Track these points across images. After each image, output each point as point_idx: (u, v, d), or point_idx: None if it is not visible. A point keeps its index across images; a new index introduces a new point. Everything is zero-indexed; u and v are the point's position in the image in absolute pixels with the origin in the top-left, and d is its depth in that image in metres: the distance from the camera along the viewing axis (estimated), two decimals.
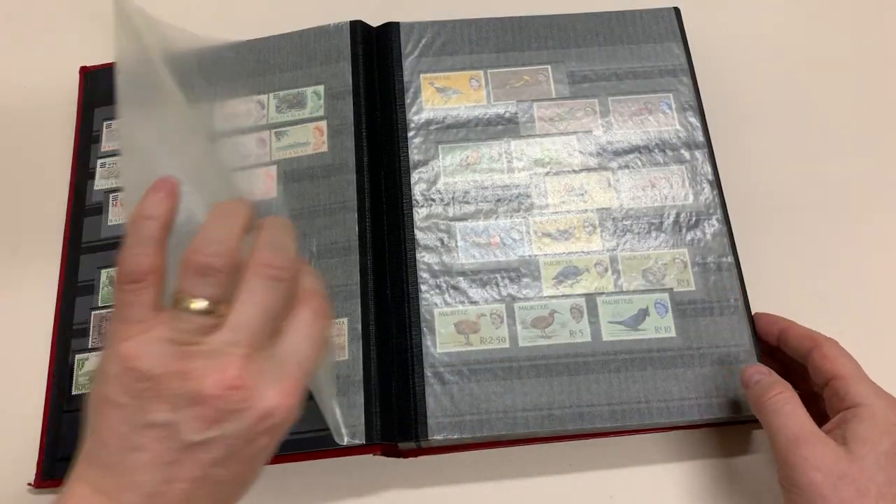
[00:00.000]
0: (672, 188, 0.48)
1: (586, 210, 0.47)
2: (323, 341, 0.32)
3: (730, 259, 0.46)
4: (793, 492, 0.37)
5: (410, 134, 0.49)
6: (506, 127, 0.49)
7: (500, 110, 0.50)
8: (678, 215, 0.47)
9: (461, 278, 0.46)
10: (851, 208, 0.52)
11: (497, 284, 0.46)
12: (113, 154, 0.52)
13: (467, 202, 0.48)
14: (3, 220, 0.54)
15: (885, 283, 0.50)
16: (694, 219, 0.47)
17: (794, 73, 0.57)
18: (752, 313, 0.45)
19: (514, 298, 0.45)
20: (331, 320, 0.33)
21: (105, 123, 0.53)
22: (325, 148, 0.50)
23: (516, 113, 0.50)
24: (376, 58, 0.52)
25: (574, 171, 0.48)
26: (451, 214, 0.47)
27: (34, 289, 0.51)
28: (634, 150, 0.49)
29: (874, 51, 0.57)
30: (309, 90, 0.51)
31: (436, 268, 0.46)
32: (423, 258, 0.46)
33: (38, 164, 0.55)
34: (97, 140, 0.53)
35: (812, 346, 0.41)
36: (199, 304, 0.29)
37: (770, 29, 0.58)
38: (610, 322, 0.45)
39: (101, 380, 0.30)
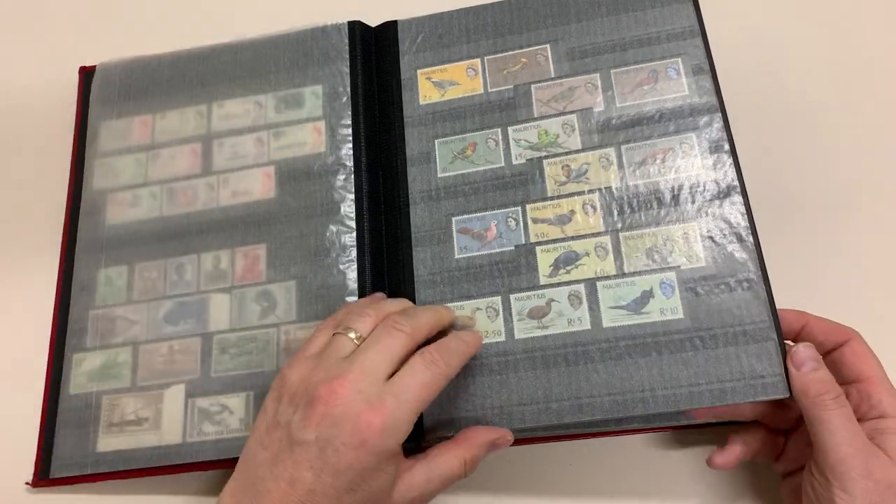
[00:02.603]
0: (681, 158, 0.45)
1: (586, 191, 0.45)
2: (430, 386, 0.37)
3: (745, 228, 0.43)
4: (837, 494, 0.37)
5: (407, 131, 0.49)
6: (502, 113, 0.48)
7: (497, 97, 0.49)
8: (688, 187, 0.44)
9: (456, 272, 0.45)
10: (863, 204, 0.51)
11: (492, 276, 0.45)
12: (111, 154, 0.52)
13: (463, 195, 0.47)
14: (3, 219, 0.55)
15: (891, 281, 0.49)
16: (705, 188, 0.44)
17: (804, 69, 0.55)
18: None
19: (510, 289, 0.44)
20: (445, 371, 0.38)
21: (104, 123, 0.53)
22: (323, 148, 0.50)
23: (513, 97, 0.48)
24: (375, 57, 0.52)
25: (574, 152, 0.47)
26: (447, 208, 0.47)
27: (33, 288, 0.51)
28: (639, 122, 0.46)
29: (886, 47, 0.56)
30: (307, 90, 0.51)
31: (432, 263, 0.46)
32: (420, 255, 0.46)
33: (38, 163, 0.56)
34: (96, 140, 0.53)
35: (843, 341, 0.40)
36: (352, 333, 0.38)
37: (785, 25, 0.57)
38: (611, 307, 0.42)
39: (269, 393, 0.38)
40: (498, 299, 0.44)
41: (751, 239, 0.43)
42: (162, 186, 0.51)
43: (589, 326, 0.42)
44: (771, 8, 0.58)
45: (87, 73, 0.56)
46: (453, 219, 0.46)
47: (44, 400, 0.48)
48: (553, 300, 0.43)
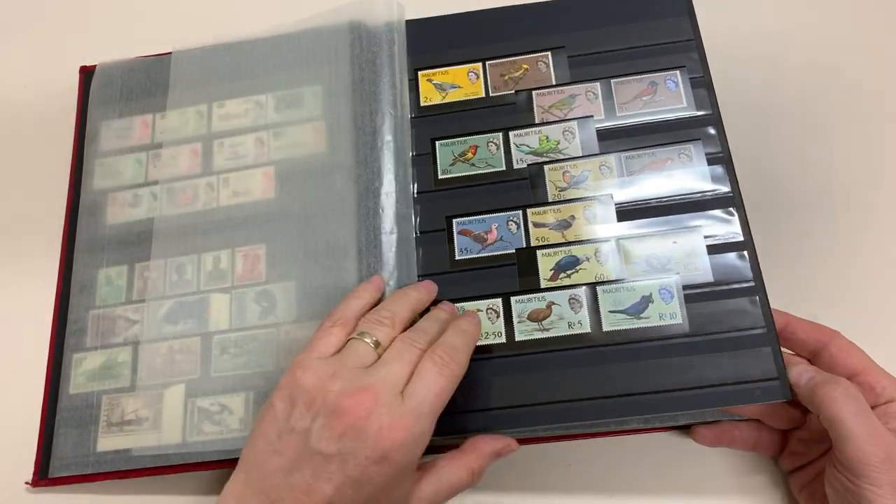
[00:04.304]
0: (680, 168, 0.46)
1: (587, 197, 0.46)
2: (444, 392, 0.37)
3: (743, 236, 0.44)
4: (865, 488, 0.37)
5: (408, 132, 0.49)
6: (503, 118, 0.49)
7: (498, 102, 0.49)
8: (686, 196, 0.45)
9: (457, 273, 0.45)
10: (858, 207, 0.52)
11: (493, 278, 0.45)
12: (112, 154, 0.52)
13: (464, 196, 0.47)
14: (3, 219, 0.55)
15: (887, 282, 0.50)
16: (703, 197, 0.45)
17: (799, 73, 0.56)
18: None
19: (510, 292, 0.45)
20: (457, 372, 0.38)
21: (104, 123, 0.53)
22: (323, 148, 0.50)
23: (514, 103, 0.49)
24: (375, 57, 0.52)
25: (574, 158, 0.47)
26: (447, 210, 0.47)
27: (33, 288, 0.51)
28: (638, 132, 0.47)
29: (884, 48, 0.57)
30: (307, 90, 0.51)
31: (432, 264, 0.46)
32: (420, 255, 0.46)
33: (38, 163, 0.56)
34: (96, 140, 0.53)
35: (826, 341, 0.41)
36: (370, 338, 0.38)
37: (777, 25, 0.58)
38: (611, 311, 0.43)
39: (274, 390, 0.37)
40: (499, 301, 0.44)
41: (748, 247, 0.43)
42: (162, 186, 0.51)
43: (589, 329, 0.43)
44: (768, 10, 0.58)
45: (87, 73, 0.56)
46: (454, 220, 0.46)
47: (44, 400, 0.47)
48: (553, 303, 0.44)
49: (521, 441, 0.44)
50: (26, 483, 0.46)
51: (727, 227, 0.44)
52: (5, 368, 0.50)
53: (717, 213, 0.44)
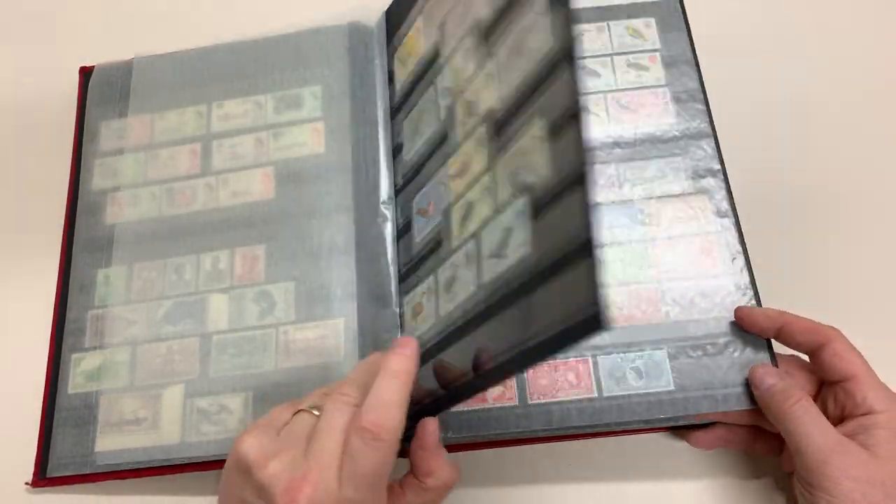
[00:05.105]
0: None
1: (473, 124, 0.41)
2: (382, 464, 0.34)
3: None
4: (821, 498, 0.37)
5: (396, 124, 0.48)
6: (434, 65, 0.44)
7: (431, 50, 0.45)
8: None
9: (415, 259, 0.43)
10: (852, 205, 0.51)
11: (429, 255, 0.42)
12: (111, 154, 0.52)
13: (417, 171, 0.45)
14: (3, 219, 0.55)
15: (884, 280, 0.49)
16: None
17: (796, 68, 0.56)
18: (739, 309, 0.43)
19: (437, 264, 0.40)
20: (392, 438, 0.34)
21: (103, 123, 0.53)
22: (322, 148, 0.50)
23: (440, 40, 0.45)
24: (374, 57, 0.52)
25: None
26: (411, 193, 0.45)
27: (33, 288, 0.51)
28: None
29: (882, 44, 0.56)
30: (306, 90, 0.51)
31: (403, 256, 0.44)
32: (399, 249, 0.45)
33: (38, 163, 0.56)
34: (96, 139, 0.53)
35: (823, 342, 0.40)
36: (307, 404, 0.36)
37: (774, 23, 0.57)
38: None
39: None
40: (433, 279, 0.41)
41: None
42: (161, 186, 0.51)
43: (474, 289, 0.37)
44: (762, 6, 0.58)
45: (87, 74, 0.56)
46: (413, 202, 0.45)
47: (44, 400, 0.47)
48: (455, 265, 0.39)
49: (522, 441, 0.44)
50: (26, 483, 0.46)
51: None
52: (5, 368, 0.50)
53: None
